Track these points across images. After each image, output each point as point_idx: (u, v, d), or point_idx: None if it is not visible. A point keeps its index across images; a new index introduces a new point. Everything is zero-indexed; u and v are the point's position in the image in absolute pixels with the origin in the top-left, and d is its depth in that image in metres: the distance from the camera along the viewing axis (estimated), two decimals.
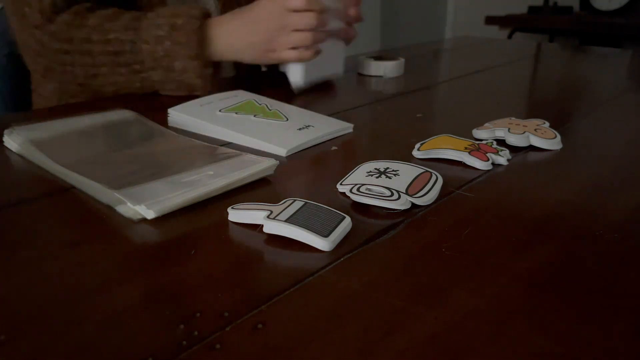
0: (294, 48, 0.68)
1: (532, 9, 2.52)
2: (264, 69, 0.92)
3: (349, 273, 0.30)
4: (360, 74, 0.89)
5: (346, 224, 0.35)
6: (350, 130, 0.58)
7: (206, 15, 0.67)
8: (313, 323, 0.26)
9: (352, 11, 0.75)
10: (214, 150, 0.48)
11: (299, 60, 0.69)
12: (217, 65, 0.70)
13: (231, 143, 0.53)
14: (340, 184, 0.41)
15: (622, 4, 2.22)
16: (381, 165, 0.44)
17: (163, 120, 0.58)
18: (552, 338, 0.25)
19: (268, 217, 0.34)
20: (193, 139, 0.51)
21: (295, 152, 0.51)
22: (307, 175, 0.47)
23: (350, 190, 0.39)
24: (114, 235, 0.35)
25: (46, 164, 0.45)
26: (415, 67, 0.96)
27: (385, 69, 0.87)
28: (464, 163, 0.47)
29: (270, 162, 0.44)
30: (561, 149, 0.52)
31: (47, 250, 0.33)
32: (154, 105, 0.65)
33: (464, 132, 0.55)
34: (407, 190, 0.39)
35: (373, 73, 0.88)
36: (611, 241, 0.34)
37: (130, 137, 0.52)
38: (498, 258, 0.32)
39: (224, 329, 0.25)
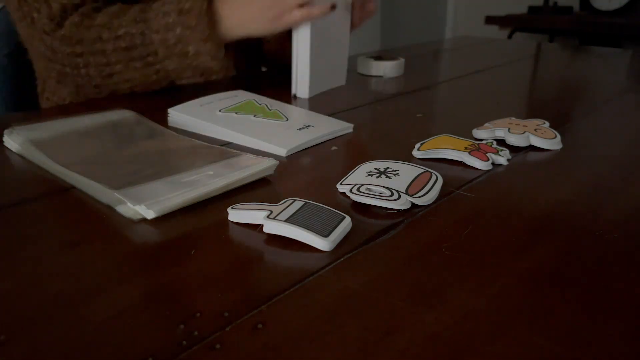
0: (301, 6, 0.65)
1: (532, 9, 2.52)
2: (263, 69, 0.92)
3: (349, 273, 0.30)
4: (360, 74, 0.89)
5: (346, 224, 0.35)
6: (350, 130, 0.58)
7: None
8: (313, 323, 0.26)
9: None
10: (214, 150, 0.48)
11: (308, 18, 0.66)
12: (228, 48, 0.69)
13: (231, 143, 0.53)
14: (340, 184, 0.41)
15: (622, 4, 2.22)
16: (381, 165, 0.44)
17: (163, 120, 0.58)
18: (552, 338, 0.25)
19: (268, 217, 0.34)
20: (193, 139, 0.51)
21: (295, 152, 0.51)
22: (307, 175, 0.47)
23: (350, 190, 0.39)
24: (114, 235, 0.35)
25: (46, 164, 0.45)
26: (415, 67, 0.96)
27: (385, 69, 0.87)
28: (464, 163, 0.47)
29: (270, 162, 0.44)
30: (561, 149, 0.52)
31: (47, 250, 0.33)
32: (154, 105, 0.65)
33: (464, 132, 0.55)
34: (407, 190, 0.39)
35: (373, 73, 0.88)
36: (611, 241, 0.34)
37: (131, 137, 0.52)
38: (498, 258, 0.32)
39: (224, 329, 0.25)
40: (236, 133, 0.53)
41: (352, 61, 0.90)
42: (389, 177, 0.41)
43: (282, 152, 0.50)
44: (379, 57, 0.90)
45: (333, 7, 0.68)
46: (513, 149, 0.51)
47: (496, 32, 2.59)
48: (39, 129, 0.51)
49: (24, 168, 0.47)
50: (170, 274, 0.30)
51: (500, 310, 0.27)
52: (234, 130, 0.53)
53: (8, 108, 0.91)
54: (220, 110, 0.58)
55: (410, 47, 1.23)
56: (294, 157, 0.50)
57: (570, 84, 0.87)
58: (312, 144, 0.53)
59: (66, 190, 0.42)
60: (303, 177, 0.46)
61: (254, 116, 0.57)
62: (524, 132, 0.52)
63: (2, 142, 0.51)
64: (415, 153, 0.49)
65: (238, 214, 0.36)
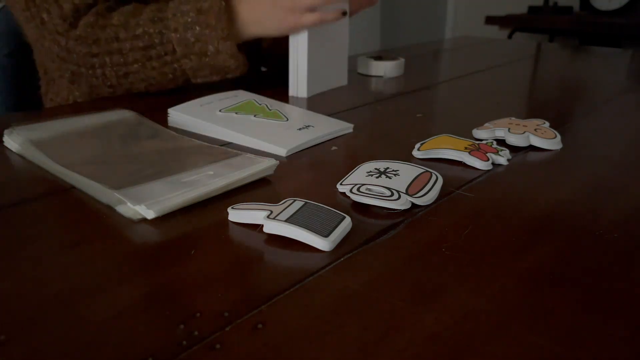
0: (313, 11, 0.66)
1: (532, 9, 2.52)
2: (263, 69, 0.92)
3: (349, 273, 0.30)
4: (360, 74, 0.89)
5: (346, 224, 0.35)
6: (350, 130, 0.58)
7: None
8: (313, 323, 0.26)
9: None
10: (214, 150, 0.48)
11: (321, 22, 0.67)
12: (240, 47, 0.69)
13: (231, 143, 0.53)
14: (341, 184, 0.41)
15: (622, 4, 2.23)
16: (381, 165, 0.44)
17: (163, 120, 0.58)
18: (552, 338, 0.25)
19: (268, 217, 0.34)
20: (193, 139, 0.51)
21: (295, 152, 0.51)
22: (307, 175, 0.47)
23: (351, 190, 0.39)
24: (114, 235, 0.35)
25: (46, 164, 0.45)
26: (415, 67, 0.96)
27: (385, 69, 0.87)
28: (464, 163, 0.47)
29: (270, 162, 0.44)
30: (561, 149, 0.52)
31: (47, 250, 0.33)
32: (154, 105, 0.65)
33: (464, 132, 0.55)
34: (407, 190, 0.39)
35: (373, 73, 0.88)
36: (611, 241, 0.34)
37: (131, 137, 0.52)
38: (498, 258, 0.32)
39: (224, 329, 0.25)
40: (236, 133, 0.53)
41: (352, 61, 0.90)
42: (389, 177, 0.41)
43: (282, 152, 0.50)
44: (379, 57, 0.90)
45: (344, 13, 0.69)
46: (513, 149, 0.51)
47: (496, 32, 2.59)
48: (39, 129, 0.51)
49: (24, 168, 0.47)
50: (170, 274, 0.30)
51: (500, 310, 0.27)
52: (234, 130, 0.54)
53: (8, 108, 0.91)
54: (220, 110, 0.58)
55: (410, 47, 1.23)
56: (294, 157, 0.50)
57: (570, 84, 0.87)
58: (312, 144, 0.53)
59: (66, 190, 0.42)
60: (303, 177, 0.46)
61: (254, 116, 0.57)
62: (524, 132, 0.52)
63: (2, 142, 0.51)
64: (415, 153, 0.49)
65: (238, 214, 0.36)
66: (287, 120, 0.57)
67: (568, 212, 0.38)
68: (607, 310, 0.27)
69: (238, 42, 0.67)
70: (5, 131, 0.51)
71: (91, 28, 0.65)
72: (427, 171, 0.43)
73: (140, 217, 0.36)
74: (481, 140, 0.52)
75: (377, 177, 0.41)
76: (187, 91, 0.70)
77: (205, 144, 0.50)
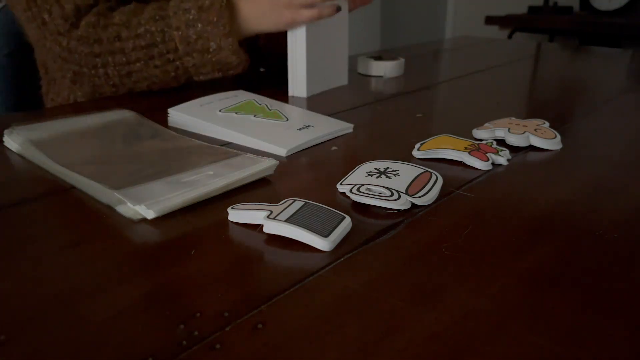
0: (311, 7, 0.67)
1: (532, 9, 2.52)
2: (262, 69, 0.92)
3: (349, 273, 0.30)
4: (360, 74, 0.89)
5: (346, 224, 0.35)
6: (350, 130, 0.58)
7: None
8: (313, 323, 0.26)
9: None
10: (214, 150, 0.48)
11: (318, 17, 0.67)
12: (241, 44, 0.69)
13: (231, 143, 0.53)
14: (341, 184, 0.41)
15: (622, 4, 2.22)
16: (381, 165, 0.44)
17: (163, 120, 0.58)
18: (552, 338, 0.25)
19: (268, 217, 0.34)
20: (193, 139, 0.51)
21: (295, 152, 0.51)
22: (307, 175, 0.47)
23: (350, 190, 0.39)
24: (114, 235, 0.35)
25: (46, 164, 0.45)
26: (415, 67, 0.96)
27: (385, 69, 0.87)
28: (464, 163, 0.47)
29: (270, 162, 0.44)
30: (561, 149, 0.52)
31: (47, 250, 0.33)
32: (154, 105, 0.65)
33: (464, 132, 0.55)
34: (407, 190, 0.39)
35: (373, 73, 0.88)
36: (611, 241, 0.34)
37: (130, 137, 0.52)
38: (498, 258, 0.32)
39: (224, 329, 0.25)
40: (236, 133, 0.53)
41: (352, 61, 0.90)
42: (389, 177, 0.41)
43: (282, 152, 0.50)
44: (379, 57, 0.90)
45: (338, 9, 0.69)
46: (513, 149, 0.51)
47: (496, 32, 2.59)
48: (39, 129, 0.51)
49: (24, 168, 0.47)
50: (170, 274, 0.30)
51: (500, 310, 0.27)
52: (234, 130, 0.54)
53: (8, 108, 0.91)
54: (220, 110, 0.58)
55: (410, 47, 1.23)
56: (294, 157, 0.50)
57: (570, 84, 0.87)
58: (312, 144, 0.53)
59: (66, 190, 0.42)
60: (303, 177, 0.46)
61: (254, 116, 0.57)
62: (524, 132, 0.52)
63: (2, 142, 0.51)
64: (415, 153, 0.49)
65: (238, 214, 0.36)
66: (287, 120, 0.57)
67: (568, 212, 0.38)
68: (607, 310, 0.27)
69: (239, 39, 0.68)
70: (5, 131, 0.51)
71: (93, 28, 0.65)
72: (427, 171, 0.43)
73: (140, 217, 0.36)
74: (481, 140, 0.52)
75: (377, 177, 0.41)
76: (187, 91, 0.70)
77: (205, 144, 0.50)
